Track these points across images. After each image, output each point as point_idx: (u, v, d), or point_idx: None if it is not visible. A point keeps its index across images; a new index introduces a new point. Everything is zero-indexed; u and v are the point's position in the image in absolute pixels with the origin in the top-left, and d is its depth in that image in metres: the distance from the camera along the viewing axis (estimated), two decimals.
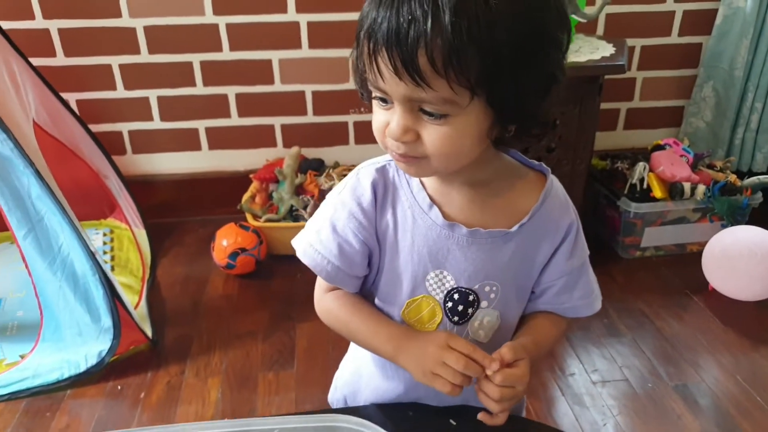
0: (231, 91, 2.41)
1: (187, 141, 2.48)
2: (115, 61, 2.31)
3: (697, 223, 2.26)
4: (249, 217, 2.27)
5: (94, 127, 2.27)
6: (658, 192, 2.21)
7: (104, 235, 2.33)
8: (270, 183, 2.37)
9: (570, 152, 2.04)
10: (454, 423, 0.82)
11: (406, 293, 0.82)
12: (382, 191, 0.81)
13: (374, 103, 0.73)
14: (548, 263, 0.83)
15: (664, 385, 1.73)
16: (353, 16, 2.24)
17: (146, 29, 2.27)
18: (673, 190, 2.22)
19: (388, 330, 0.81)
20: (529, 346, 0.79)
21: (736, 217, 2.21)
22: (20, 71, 1.91)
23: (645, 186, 2.24)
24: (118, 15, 2.23)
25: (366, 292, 0.87)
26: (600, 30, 2.44)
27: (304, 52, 2.36)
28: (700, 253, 2.12)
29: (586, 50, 2.04)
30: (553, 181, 0.82)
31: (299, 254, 0.84)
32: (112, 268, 2.12)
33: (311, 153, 2.49)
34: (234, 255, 2.12)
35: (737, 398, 1.68)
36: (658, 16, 2.46)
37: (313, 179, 2.35)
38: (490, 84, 0.64)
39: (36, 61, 2.04)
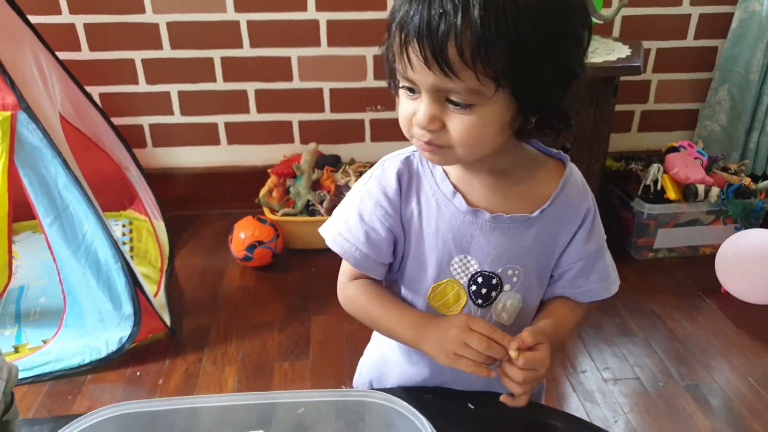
0: (250, 87, 2.45)
1: (207, 135, 2.52)
2: (137, 55, 2.36)
3: (711, 225, 2.27)
4: (266, 210, 2.30)
5: (116, 120, 2.31)
6: (671, 194, 2.22)
7: (123, 226, 2.37)
8: (287, 178, 2.41)
9: (585, 152, 2.07)
10: (472, 406, 0.84)
11: (432, 278, 0.85)
12: (407, 180, 0.83)
13: (401, 93, 0.75)
14: (567, 247, 0.86)
15: (676, 384, 1.75)
16: (372, 15, 2.29)
17: (169, 25, 2.31)
18: (687, 192, 2.23)
19: (410, 317, 0.84)
20: (548, 331, 0.82)
21: (749, 220, 2.22)
22: (47, 64, 1.95)
23: (659, 187, 2.26)
24: (142, 11, 2.28)
25: (391, 279, 0.90)
26: (616, 32, 2.46)
27: (323, 49, 2.40)
28: (713, 256, 2.13)
29: (602, 51, 2.06)
30: (572, 168, 0.85)
31: (328, 242, 0.86)
32: (131, 259, 2.16)
33: (328, 149, 2.52)
34: (251, 247, 2.15)
35: (749, 399, 1.70)
36: (674, 19, 2.48)
37: (329, 175, 2.38)
38: (515, 76, 0.67)
39: (62, 55, 2.09)
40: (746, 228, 2.19)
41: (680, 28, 2.51)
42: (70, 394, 1.68)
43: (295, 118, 2.52)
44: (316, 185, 2.36)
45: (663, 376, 1.77)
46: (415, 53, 0.67)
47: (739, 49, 2.46)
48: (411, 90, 0.73)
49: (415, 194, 0.83)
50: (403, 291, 0.88)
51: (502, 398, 0.80)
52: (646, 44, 2.36)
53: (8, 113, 1.61)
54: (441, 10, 0.64)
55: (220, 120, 2.50)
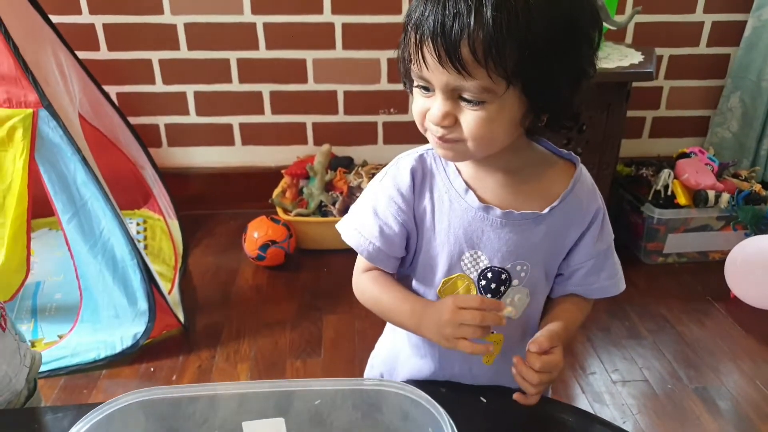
0: (265, 89, 2.48)
1: (222, 136, 2.55)
2: (155, 56, 2.40)
3: (721, 231, 2.28)
4: (279, 210, 2.33)
5: (133, 120, 2.34)
6: (682, 199, 2.23)
7: (138, 224, 2.40)
8: (300, 179, 2.43)
9: (596, 156, 2.08)
10: (485, 400, 0.86)
11: (443, 272, 0.87)
12: (420, 177, 0.86)
13: (416, 90, 0.78)
14: (577, 246, 0.88)
15: (684, 387, 1.76)
16: (387, 18, 2.31)
17: (186, 26, 2.35)
18: (698, 198, 2.24)
19: (411, 306, 0.86)
20: (561, 334, 0.84)
21: (759, 226, 2.23)
22: (67, 63, 1.98)
23: (669, 193, 2.27)
24: (160, 12, 2.32)
25: (404, 273, 0.92)
26: (629, 38, 2.47)
27: (338, 52, 2.43)
28: (722, 261, 2.14)
29: (615, 57, 2.08)
30: (582, 169, 0.87)
31: (344, 237, 0.89)
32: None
33: (341, 151, 2.55)
34: (264, 247, 2.18)
35: (757, 402, 1.71)
36: (687, 26, 2.49)
37: (342, 176, 2.41)
38: (526, 75, 0.69)
39: (81, 54, 2.12)
40: (756, 234, 2.19)
41: (693, 36, 2.52)
42: (86, 389, 1.71)
43: (309, 119, 2.54)
44: (329, 186, 2.39)
45: (671, 379, 1.78)
46: (429, 52, 0.70)
47: (752, 57, 2.47)
48: (425, 88, 0.75)
49: (429, 191, 0.86)
50: (415, 285, 0.91)
51: (515, 396, 0.82)
52: (658, 51, 2.37)
53: (30, 110, 1.64)
54: (455, 11, 0.67)
55: (235, 121, 2.53)
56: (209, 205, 2.58)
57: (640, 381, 1.78)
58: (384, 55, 2.43)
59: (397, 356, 0.99)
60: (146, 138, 2.38)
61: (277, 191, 2.40)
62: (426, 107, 0.76)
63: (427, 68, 0.72)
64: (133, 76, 2.42)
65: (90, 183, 1.71)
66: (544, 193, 0.84)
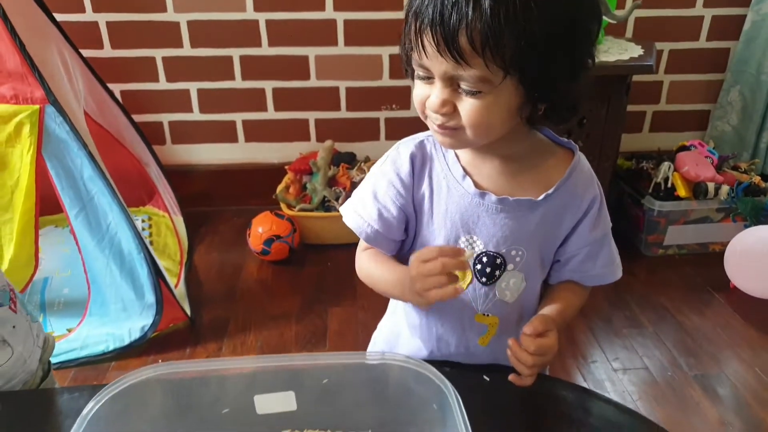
0: (268, 86, 2.50)
1: (225, 133, 2.58)
2: (158, 53, 2.42)
3: (721, 222, 2.30)
4: (283, 206, 2.35)
5: (137, 117, 2.36)
6: (682, 191, 2.25)
7: (143, 221, 2.42)
8: (303, 174, 2.46)
9: (596, 149, 2.10)
10: (488, 378, 0.89)
11: None
12: (420, 163, 0.88)
13: (417, 78, 0.79)
14: (573, 233, 0.90)
15: (684, 374, 1.78)
16: (388, 14, 2.34)
17: (189, 24, 2.37)
18: (697, 190, 2.26)
19: (398, 275, 0.88)
20: (556, 318, 0.87)
21: (759, 217, 2.25)
22: (72, 61, 2.01)
23: (669, 185, 2.29)
24: (163, 9, 2.34)
25: (403, 256, 0.94)
26: (629, 33, 2.49)
27: (340, 49, 2.45)
28: (722, 253, 2.16)
29: (615, 51, 2.10)
30: (581, 157, 0.89)
31: (345, 219, 0.92)
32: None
33: (343, 147, 2.57)
34: (269, 241, 2.20)
35: (756, 389, 1.73)
36: (687, 20, 2.51)
37: (345, 172, 2.43)
38: (523, 65, 0.71)
39: (85, 52, 2.14)
40: (755, 225, 2.21)
41: (693, 30, 2.54)
42: (95, 380, 1.73)
43: (311, 116, 2.57)
44: (332, 182, 2.41)
45: (671, 367, 1.80)
46: (428, 41, 0.72)
47: (751, 51, 2.49)
48: (426, 77, 0.77)
49: (427, 176, 0.88)
50: None
51: (510, 377, 0.84)
52: (658, 45, 2.39)
53: (37, 107, 1.66)
54: (454, 1, 0.69)
55: (238, 118, 2.56)
56: (213, 202, 2.61)
57: (640, 369, 1.80)
58: (386, 51, 2.45)
59: (397, 337, 1.01)
60: (150, 135, 2.41)
61: (280, 187, 2.42)
62: (426, 95, 0.78)
63: (427, 56, 0.73)
64: (137, 73, 2.45)
65: (96, 178, 1.74)
66: (541, 180, 0.86)
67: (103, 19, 2.34)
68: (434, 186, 0.88)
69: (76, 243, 1.79)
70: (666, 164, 2.30)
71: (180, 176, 2.52)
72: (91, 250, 1.79)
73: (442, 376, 0.71)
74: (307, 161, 2.42)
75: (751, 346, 1.90)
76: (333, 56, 2.46)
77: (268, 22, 2.38)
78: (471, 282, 0.90)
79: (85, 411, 0.66)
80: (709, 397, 1.70)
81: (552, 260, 0.93)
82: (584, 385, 1.72)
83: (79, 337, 1.81)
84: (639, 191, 2.33)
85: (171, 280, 2.04)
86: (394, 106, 2.56)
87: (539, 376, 0.85)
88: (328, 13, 2.38)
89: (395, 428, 0.78)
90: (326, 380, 0.80)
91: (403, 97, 2.54)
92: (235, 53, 2.43)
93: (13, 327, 0.96)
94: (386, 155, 0.91)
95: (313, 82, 2.50)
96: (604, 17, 2.03)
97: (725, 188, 2.26)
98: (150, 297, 1.82)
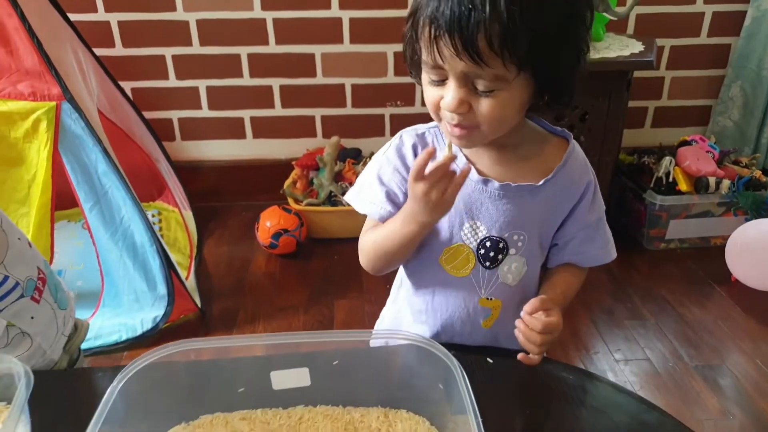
0: (275, 83, 2.55)
1: (233, 129, 2.62)
2: (168, 52, 2.47)
3: (722, 217, 2.33)
4: (291, 201, 2.40)
5: (147, 114, 2.40)
6: (683, 186, 2.29)
7: (153, 216, 2.47)
8: (310, 170, 2.50)
9: (598, 144, 2.14)
10: (491, 360, 0.93)
11: (444, 242, 0.93)
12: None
13: (426, 81, 0.83)
14: (570, 216, 0.94)
15: (685, 365, 1.82)
16: (393, 12, 2.38)
17: (198, 22, 2.42)
18: (699, 184, 2.30)
19: (400, 218, 0.88)
20: (558, 300, 0.92)
21: (759, 211, 2.28)
22: (85, 60, 2.05)
23: (671, 180, 2.32)
24: (173, 9, 2.39)
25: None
26: (630, 29, 2.53)
27: (346, 46, 2.49)
28: (723, 247, 2.19)
29: (616, 47, 2.14)
30: (575, 145, 0.93)
31: (356, 206, 0.96)
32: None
33: (349, 143, 2.61)
34: (277, 235, 2.25)
35: (756, 380, 1.76)
36: (688, 16, 2.55)
37: (351, 167, 2.47)
38: (536, 60, 0.75)
39: (97, 51, 2.18)
40: (756, 219, 2.24)
41: (694, 26, 2.57)
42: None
43: (318, 112, 2.61)
44: (338, 177, 2.46)
45: (673, 357, 1.84)
46: (446, 45, 0.74)
47: (752, 47, 2.52)
48: (439, 80, 0.80)
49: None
50: (418, 254, 0.96)
51: (519, 357, 0.88)
52: (660, 41, 2.43)
53: (53, 103, 1.71)
54: (470, 5, 0.72)
55: (246, 114, 2.60)
56: (222, 197, 2.66)
57: (642, 360, 1.84)
58: (391, 49, 2.49)
59: (400, 323, 1.05)
60: (160, 132, 2.45)
61: (288, 182, 2.47)
62: (439, 96, 0.81)
63: (443, 59, 0.76)
64: (148, 71, 2.49)
65: (110, 173, 1.78)
66: (539, 167, 0.90)
67: (114, 18, 2.39)
68: None
69: (91, 236, 1.84)
70: (667, 159, 2.34)
71: (189, 172, 2.57)
72: (105, 243, 1.84)
73: (448, 353, 0.75)
74: (314, 157, 2.46)
75: (752, 337, 1.93)
76: (339, 54, 2.50)
77: (276, 21, 2.43)
78: (474, 267, 0.94)
79: (114, 382, 0.71)
80: (710, 388, 1.73)
81: (550, 244, 0.97)
82: None
83: (92, 328, 1.84)
84: (641, 186, 2.36)
85: (182, 273, 2.09)
86: (398, 102, 2.60)
87: (542, 359, 0.89)
88: (334, 11, 2.42)
89: (403, 404, 0.82)
90: (336, 362, 0.85)
91: (407, 94, 2.58)
92: (243, 51, 2.48)
93: (32, 318, 0.97)
94: (389, 143, 0.95)
95: (319, 79, 2.54)
96: (606, 14, 2.07)
97: (726, 182, 2.29)
98: (162, 288, 1.86)
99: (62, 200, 1.88)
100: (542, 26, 0.73)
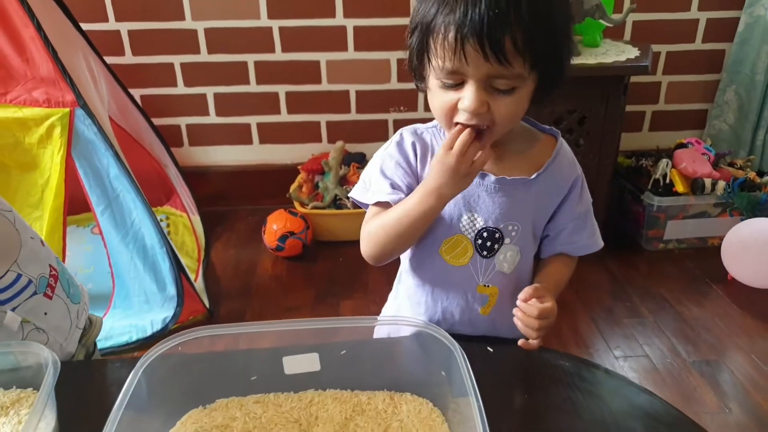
0: (281, 90, 2.60)
1: (240, 135, 2.68)
2: (177, 59, 2.53)
3: (718, 217, 2.38)
4: (297, 204, 2.45)
5: (156, 120, 2.46)
6: (680, 187, 2.33)
7: (161, 220, 2.52)
8: (316, 174, 2.55)
9: (596, 147, 2.19)
10: (491, 350, 0.98)
11: (443, 233, 0.98)
12: (422, 151, 0.98)
13: (436, 87, 0.86)
14: (560, 208, 1.01)
15: (683, 361, 1.86)
16: (396, 21, 2.43)
17: (206, 31, 2.48)
18: (695, 186, 2.34)
19: (416, 196, 0.90)
20: (552, 288, 0.98)
21: (755, 212, 2.32)
22: (96, 68, 2.11)
23: (668, 181, 2.37)
24: (182, 18, 2.45)
25: None
26: (627, 36, 2.58)
27: (350, 54, 2.55)
28: (720, 247, 2.24)
29: (613, 53, 2.19)
30: (563, 142, 1.00)
31: (359, 199, 1.00)
32: None
33: (353, 149, 2.66)
34: (283, 238, 2.30)
35: (751, 375, 1.81)
36: (683, 23, 2.60)
37: (355, 171, 2.52)
38: (547, 57, 0.82)
39: (108, 59, 2.24)
40: None
41: (689, 32, 2.63)
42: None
43: (323, 118, 2.67)
44: (343, 181, 2.51)
45: (671, 354, 1.88)
46: (474, 48, 0.78)
47: (746, 52, 2.57)
48: (453, 84, 0.84)
49: (429, 162, 0.97)
50: (419, 245, 1.01)
51: (519, 343, 0.94)
52: (656, 48, 2.48)
53: (67, 110, 1.76)
54: (496, 9, 0.76)
55: (253, 120, 2.66)
56: (229, 202, 2.71)
57: (641, 356, 1.88)
58: (394, 56, 2.55)
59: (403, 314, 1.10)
60: (169, 138, 2.51)
61: (293, 186, 2.52)
62: (453, 100, 0.84)
63: (467, 63, 0.80)
64: (156, 79, 2.56)
65: (122, 177, 1.84)
66: (530, 162, 0.97)
67: (125, 27, 2.45)
68: None
69: (102, 238, 1.89)
70: (664, 161, 2.38)
71: (197, 177, 2.62)
72: (116, 245, 1.89)
73: (449, 337, 0.79)
74: (319, 161, 2.52)
75: (748, 334, 1.97)
76: (343, 61, 2.56)
77: (282, 29, 2.49)
78: (472, 256, 0.99)
79: (137, 365, 0.76)
80: (707, 383, 1.78)
81: (542, 235, 1.04)
82: None
83: (103, 329, 1.88)
84: (639, 188, 2.41)
85: (190, 276, 2.14)
86: (401, 108, 2.66)
87: (540, 348, 0.94)
88: (339, 19, 2.48)
89: (408, 388, 0.87)
90: (344, 351, 0.89)
91: (410, 100, 2.64)
92: (250, 59, 2.54)
93: (45, 314, 1.00)
94: (390, 141, 1.01)
95: (324, 86, 2.60)
96: (602, 21, 2.12)
97: (722, 184, 2.34)
98: (171, 290, 1.91)
99: (71, 205, 1.92)
100: (555, 24, 0.80)
